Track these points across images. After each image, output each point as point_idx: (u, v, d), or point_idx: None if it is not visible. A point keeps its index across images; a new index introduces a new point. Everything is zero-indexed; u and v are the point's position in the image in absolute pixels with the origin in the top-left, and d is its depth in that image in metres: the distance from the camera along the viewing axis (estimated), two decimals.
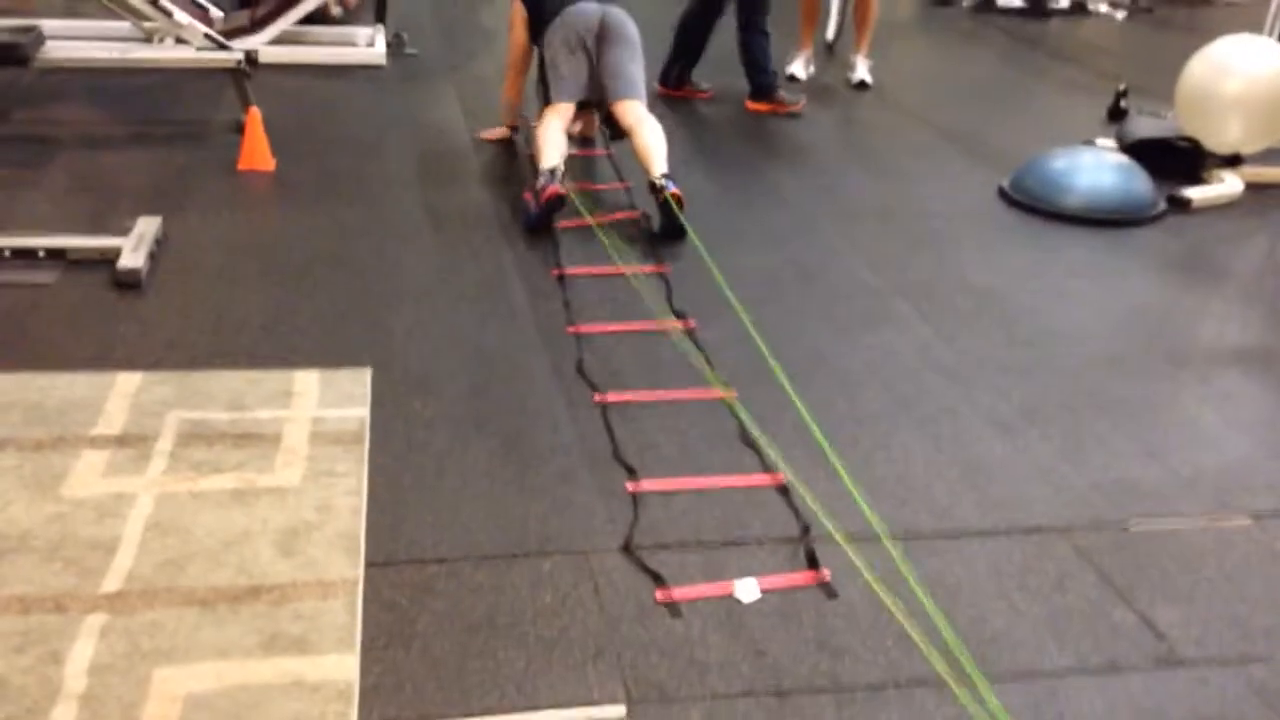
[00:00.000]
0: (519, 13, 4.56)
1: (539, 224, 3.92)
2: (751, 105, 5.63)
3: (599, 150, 4.86)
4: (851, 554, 2.35)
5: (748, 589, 2.29)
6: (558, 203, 3.88)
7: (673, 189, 3.90)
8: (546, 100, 4.38)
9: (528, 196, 3.99)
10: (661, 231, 3.99)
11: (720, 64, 5.79)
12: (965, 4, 8.60)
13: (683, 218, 3.86)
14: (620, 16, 4.33)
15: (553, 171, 3.92)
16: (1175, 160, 4.92)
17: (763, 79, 5.61)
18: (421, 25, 6.81)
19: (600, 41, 4.26)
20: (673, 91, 5.76)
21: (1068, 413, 3.05)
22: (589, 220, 3.93)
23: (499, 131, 4.88)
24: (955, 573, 2.39)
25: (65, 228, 3.70)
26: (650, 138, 4.11)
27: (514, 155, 4.76)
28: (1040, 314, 3.62)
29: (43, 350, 3.02)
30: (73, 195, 4.09)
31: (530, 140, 4.26)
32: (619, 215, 4.17)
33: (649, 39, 4.49)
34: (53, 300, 3.30)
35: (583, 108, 4.43)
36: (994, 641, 2.20)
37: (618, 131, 4.38)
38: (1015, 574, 2.40)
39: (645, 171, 4.05)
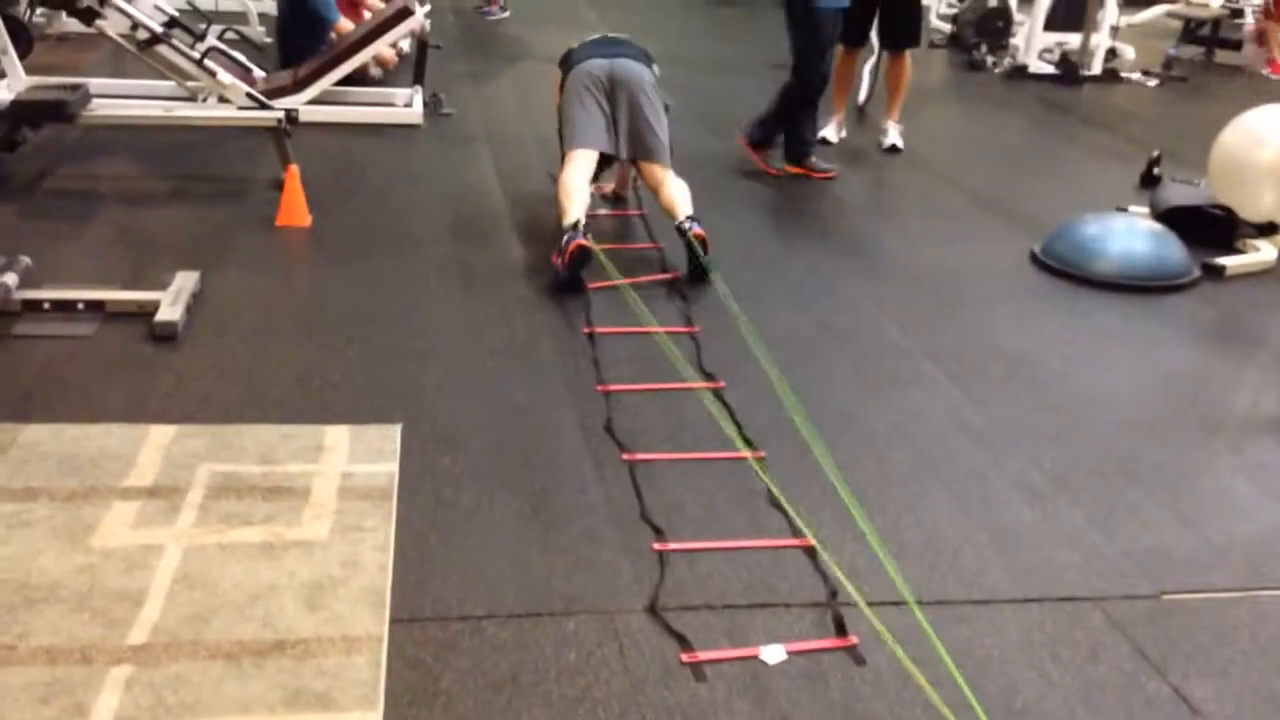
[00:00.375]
0: (557, 78, 4.64)
1: (567, 283, 3.95)
2: (787, 167, 5.67)
3: (632, 210, 4.89)
4: (879, 620, 2.33)
5: (774, 653, 2.27)
6: (583, 256, 3.92)
7: (697, 229, 4.03)
8: (563, 151, 4.45)
9: (555, 259, 4.01)
10: (689, 274, 4.11)
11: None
12: (997, 70, 8.64)
13: (704, 258, 3.98)
14: (630, 69, 4.40)
15: (575, 225, 3.97)
16: (1209, 228, 4.90)
17: (801, 146, 5.64)
18: (459, 86, 6.92)
19: (613, 94, 4.35)
20: (753, 150, 5.71)
21: (1099, 479, 3.02)
22: (619, 281, 3.93)
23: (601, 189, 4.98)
24: (985, 641, 2.36)
25: (105, 281, 3.76)
26: (675, 191, 4.24)
27: (546, 214, 4.80)
28: (1071, 379, 3.60)
29: (79, 401, 3.06)
30: (114, 249, 4.17)
31: (554, 191, 4.32)
32: (652, 277, 4.18)
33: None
34: (91, 352, 3.35)
35: (606, 160, 4.46)
36: (1024, 712, 2.16)
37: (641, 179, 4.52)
38: (1046, 643, 2.36)
39: (671, 218, 4.17)
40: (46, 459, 2.75)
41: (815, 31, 5.38)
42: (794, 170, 5.65)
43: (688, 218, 4.09)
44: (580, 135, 4.34)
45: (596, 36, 4.63)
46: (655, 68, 4.58)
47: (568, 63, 4.54)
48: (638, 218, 4.83)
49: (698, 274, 4.07)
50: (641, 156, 4.38)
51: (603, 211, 4.87)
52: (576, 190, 4.15)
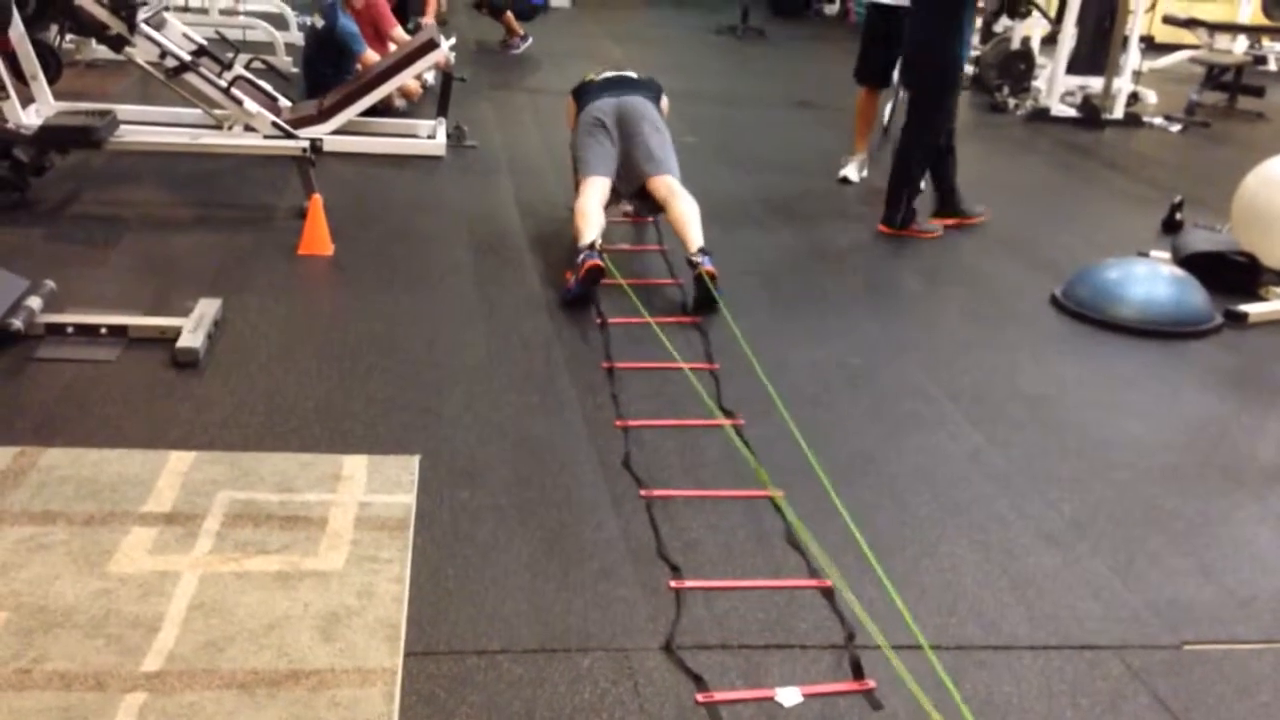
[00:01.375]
0: (571, 105, 4.88)
1: (577, 298, 4.10)
2: (944, 222, 5.56)
3: (652, 245, 4.90)
4: (897, 664, 2.30)
5: (790, 695, 2.25)
6: (596, 275, 4.05)
7: (707, 266, 4.10)
8: (576, 182, 4.64)
9: (568, 275, 4.17)
10: (695, 305, 4.16)
11: (768, 162, 5.85)
12: (1019, 113, 8.66)
13: (715, 292, 4.05)
14: (634, 102, 4.65)
15: (591, 246, 4.11)
16: (1231, 274, 4.88)
17: (952, 195, 5.58)
18: (482, 119, 6.97)
19: (621, 126, 4.58)
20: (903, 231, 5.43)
21: (1120, 527, 3.00)
22: (642, 319, 3.92)
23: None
24: (1004, 688, 2.33)
25: (128, 306, 3.78)
26: (685, 209, 4.35)
27: (566, 245, 4.81)
28: (1092, 424, 3.58)
29: (99, 426, 3.07)
30: (137, 275, 4.19)
31: (570, 218, 4.47)
32: (677, 319, 4.15)
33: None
34: (112, 377, 3.36)
35: (616, 194, 4.63)
36: None
37: (655, 206, 4.60)
38: (1066, 691, 2.33)
39: (682, 244, 4.28)
40: (66, 483, 2.76)
41: (950, 81, 5.32)
42: (950, 222, 5.56)
43: (700, 250, 4.17)
44: (592, 164, 4.55)
45: (610, 74, 4.88)
46: (665, 100, 4.88)
47: (581, 96, 4.80)
48: (658, 253, 4.83)
49: (704, 305, 4.12)
50: (650, 173, 4.52)
51: (624, 246, 4.88)
52: (591, 214, 4.31)
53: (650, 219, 5.09)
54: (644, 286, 4.39)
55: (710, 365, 3.75)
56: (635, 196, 4.74)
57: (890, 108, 7.03)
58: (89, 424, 3.08)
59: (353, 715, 2.08)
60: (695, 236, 4.25)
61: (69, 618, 2.28)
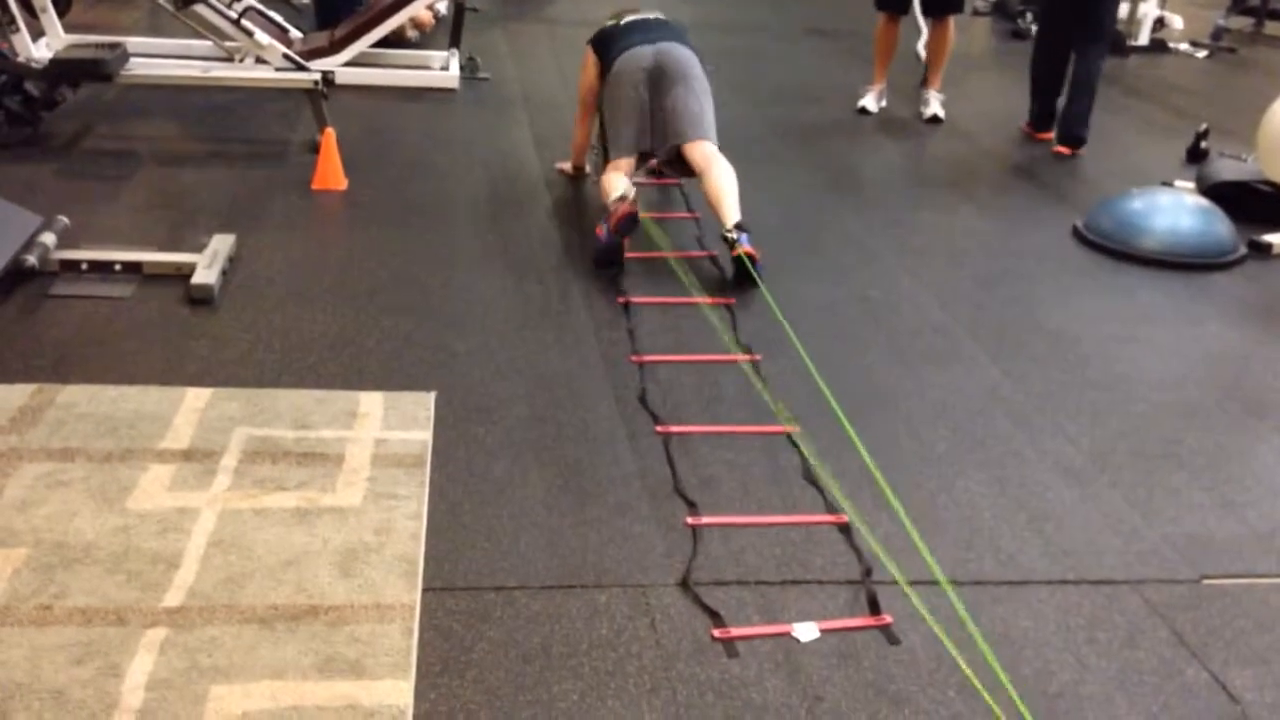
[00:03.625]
0: (589, 56, 4.43)
1: (610, 250, 3.83)
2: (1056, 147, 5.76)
3: (669, 180, 4.80)
4: (914, 599, 2.30)
5: (807, 631, 2.25)
6: (631, 223, 3.78)
7: (746, 246, 3.70)
8: (606, 156, 4.30)
9: (599, 229, 3.88)
10: (733, 280, 3.84)
11: (783, 92, 5.76)
12: None
13: (756, 273, 3.66)
14: (675, 52, 4.18)
15: (623, 196, 3.84)
16: (1256, 204, 4.81)
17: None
18: (495, 50, 6.88)
19: (656, 82, 4.12)
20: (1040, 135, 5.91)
21: (1139, 461, 2.98)
22: (659, 254, 3.86)
23: (569, 167, 4.81)
24: (1021, 623, 2.33)
25: (142, 242, 3.77)
26: (722, 180, 3.94)
27: (584, 183, 4.77)
28: (1113, 358, 3.55)
29: (115, 363, 3.07)
30: (150, 210, 4.17)
31: (599, 186, 4.14)
32: (690, 253, 4.11)
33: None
34: (127, 314, 3.36)
35: (645, 157, 4.25)
36: (1060, 696, 2.14)
37: (687, 170, 4.19)
38: (1084, 627, 2.33)
39: (717, 219, 3.90)
40: (83, 420, 2.76)
41: None
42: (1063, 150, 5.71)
43: (736, 226, 3.78)
44: (626, 143, 4.15)
45: (633, 17, 4.40)
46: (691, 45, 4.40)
47: (604, 46, 4.33)
48: (675, 187, 4.77)
49: (743, 280, 3.74)
50: (690, 137, 4.08)
51: (639, 179, 4.81)
52: (620, 178, 4.02)
53: (679, 182, 4.69)
54: (662, 222, 4.34)
55: (727, 300, 3.72)
56: (666, 160, 4.28)
57: (922, 41, 6.87)
58: (105, 361, 3.08)
59: (371, 650, 2.09)
60: (732, 210, 3.85)
61: (88, 554, 2.29)
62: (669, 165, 4.34)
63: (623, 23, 4.37)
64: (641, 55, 4.15)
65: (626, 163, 4.14)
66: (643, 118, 4.13)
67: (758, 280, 3.64)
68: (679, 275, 3.68)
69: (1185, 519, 2.74)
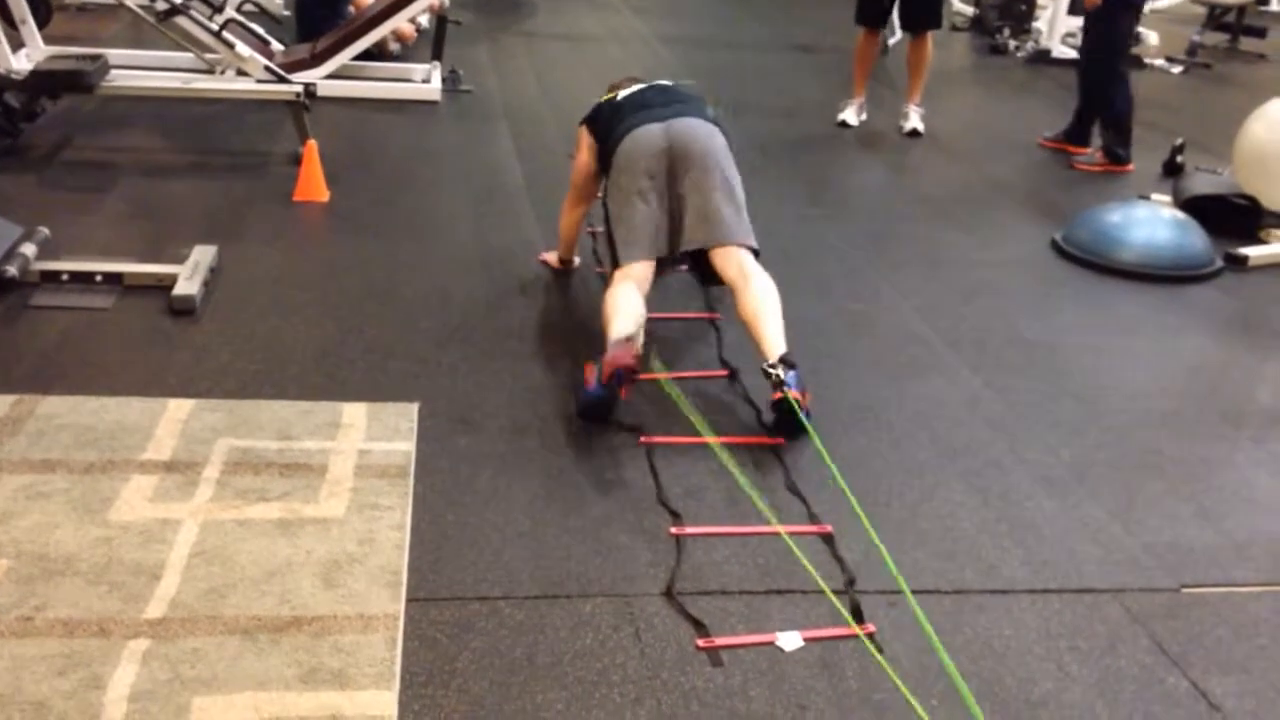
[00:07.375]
0: (584, 138, 3.65)
1: (597, 406, 2.97)
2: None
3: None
4: (897, 609, 2.31)
5: (790, 640, 2.26)
6: (627, 375, 2.89)
7: (794, 390, 2.92)
8: (614, 262, 3.37)
9: (588, 371, 3.00)
10: (774, 428, 3.02)
11: (764, 106, 5.78)
12: (1019, 54, 8.57)
13: (807, 423, 2.93)
14: (694, 129, 3.37)
15: (627, 339, 2.96)
16: (1232, 218, 4.86)
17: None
18: (477, 63, 6.89)
19: (674, 169, 3.33)
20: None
21: (1118, 471, 3.00)
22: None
23: (554, 259, 4.00)
24: (1003, 632, 2.34)
25: (123, 253, 3.76)
26: (763, 301, 3.16)
27: (565, 193, 4.77)
28: (1091, 369, 3.57)
29: (96, 374, 3.05)
30: (131, 221, 4.16)
31: (600, 306, 3.25)
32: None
33: None
34: (108, 325, 3.34)
35: (663, 265, 3.44)
36: (1042, 704, 2.15)
37: (712, 274, 3.40)
38: (1065, 635, 2.35)
39: (756, 347, 3.11)
40: (64, 431, 2.75)
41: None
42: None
43: (781, 361, 2.99)
44: (639, 243, 3.31)
45: (634, 89, 3.60)
46: (713, 113, 3.56)
47: (603, 127, 3.53)
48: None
49: (788, 430, 2.99)
50: (717, 240, 3.30)
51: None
52: (627, 303, 3.13)
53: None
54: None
55: (712, 315, 3.73)
56: (688, 263, 3.63)
57: (893, 40, 6.92)
58: (86, 371, 3.06)
59: (355, 660, 2.09)
60: (775, 339, 3.05)
61: (70, 565, 2.28)
62: (693, 268, 3.65)
63: (621, 96, 3.58)
64: (651, 136, 3.35)
65: (641, 270, 3.29)
66: (658, 215, 3.34)
67: (808, 430, 2.93)
68: (665, 292, 3.68)
69: (1164, 528, 2.76)
